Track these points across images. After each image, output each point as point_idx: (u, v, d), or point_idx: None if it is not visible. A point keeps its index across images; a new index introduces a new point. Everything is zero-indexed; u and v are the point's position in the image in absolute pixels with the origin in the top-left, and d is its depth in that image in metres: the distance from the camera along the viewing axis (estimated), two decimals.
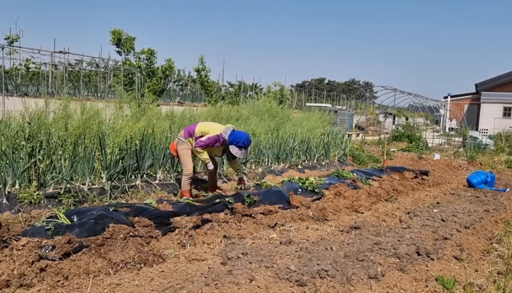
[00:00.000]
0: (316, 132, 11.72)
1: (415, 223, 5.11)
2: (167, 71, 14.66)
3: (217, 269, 3.31)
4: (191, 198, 5.27)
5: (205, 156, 5.51)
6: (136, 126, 7.03)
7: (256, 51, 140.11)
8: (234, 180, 6.67)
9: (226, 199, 5.02)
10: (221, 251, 3.78)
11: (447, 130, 27.60)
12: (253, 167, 8.16)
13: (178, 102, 22.73)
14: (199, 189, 6.19)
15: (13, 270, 2.96)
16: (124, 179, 5.79)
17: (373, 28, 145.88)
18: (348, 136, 14.12)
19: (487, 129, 27.41)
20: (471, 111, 31.54)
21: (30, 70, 20.61)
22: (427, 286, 3.19)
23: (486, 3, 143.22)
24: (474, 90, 31.84)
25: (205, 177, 7.00)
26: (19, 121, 6.16)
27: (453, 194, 7.64)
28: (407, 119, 31.32)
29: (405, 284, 3.19)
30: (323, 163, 10.04)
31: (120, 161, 5.73)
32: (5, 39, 17.13)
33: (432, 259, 3.73)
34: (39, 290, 2.87)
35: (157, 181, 6.11)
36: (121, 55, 13.97)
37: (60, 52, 19.55)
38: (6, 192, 4.60)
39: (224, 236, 4.31)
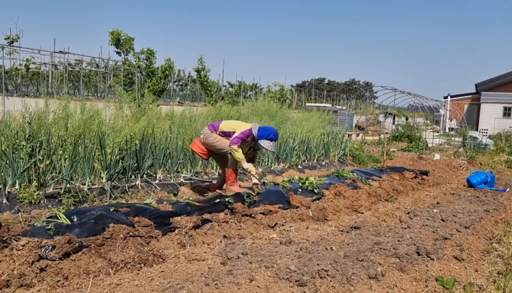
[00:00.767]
0: (316, 133, 11.72)
1: (415, 223, 5.11)
2: (167, 71, 14.67)
3: (217, 269, 3.31)
4: (221, 191, 5.45)
5: (240, 154, 5.47)
6: (136, 126, 7.02)
7: (256, 51, 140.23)
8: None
9: (226, 199, 5.02)
10: (221, 251, 3.78)
11: (447, 130, 27.64)
12: None
13: (178, 102, 22.76)
14: (199, 189, 6.18)
15: (13, 270, 2.96)
16: (124, 179, 5.80)
17: (373, 28, 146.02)
18: (348, 136, 14.13)
19: (487, 129, 27.42)
20: (471, 111, 31.56)
21: (30, 70, 20.62)
22: (427, 286, 3.19)
23: (486, 3, 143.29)
24: (474, 90, 31.88)
25: (205, 177, 7.01)
26: (19, 122, 6.15)
27: (453, 194, 7.64)
28: (407, 119, 31.31)
29: (405, 284, 3.19)
30: (323, 163, 10.04)
31: (120, 161, 5.72)
32: (5, 39, 17.16)
33: (432, 259, 3.73)
34: (39, 290, 2.87)
35: (157, 181, 6.12)
36: (120, 55, 13.98)
37: (60, 52, 19.57)
38: (6, 192, 4.60)
39: (224, 236, 4.31)
